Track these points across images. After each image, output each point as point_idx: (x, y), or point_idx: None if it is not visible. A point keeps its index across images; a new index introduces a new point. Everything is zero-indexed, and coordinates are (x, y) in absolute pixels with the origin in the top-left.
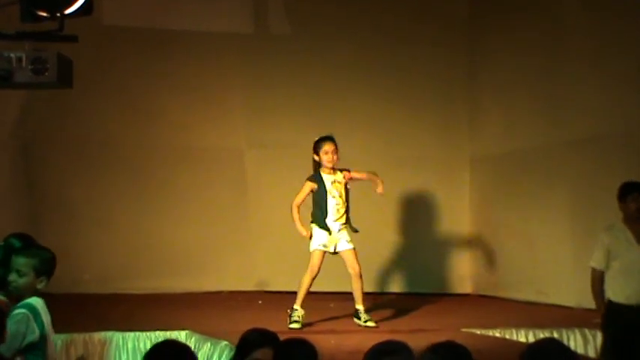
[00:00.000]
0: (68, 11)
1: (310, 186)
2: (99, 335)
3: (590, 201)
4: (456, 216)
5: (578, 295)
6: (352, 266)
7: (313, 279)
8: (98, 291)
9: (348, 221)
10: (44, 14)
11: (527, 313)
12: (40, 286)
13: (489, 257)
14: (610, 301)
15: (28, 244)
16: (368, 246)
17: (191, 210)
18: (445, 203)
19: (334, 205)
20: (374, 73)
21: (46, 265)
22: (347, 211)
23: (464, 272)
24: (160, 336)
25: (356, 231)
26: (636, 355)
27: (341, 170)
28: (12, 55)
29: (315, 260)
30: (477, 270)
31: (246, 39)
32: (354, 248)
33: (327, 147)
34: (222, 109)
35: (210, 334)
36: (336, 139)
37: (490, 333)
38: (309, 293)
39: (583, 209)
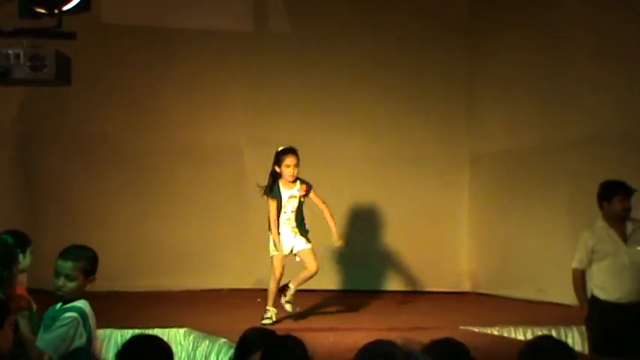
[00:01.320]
0: (66, 8)
1: (276, 203)
2: (98, 332)
3: (590, 199)
4: (455, 214)
5: None
6: (309, 264)
7: (278, 282)
8: (97, 289)
9: (300, 229)
10: (42, 11)
11: (526, 311)
12: (86, 287)
13: (488, 255)
14: (596, 299)
15: (21, 240)
16: (366, 244)
17: (191, 208)
18: (444, 201)
19: (286, 220)
20: (373, 71)
21: (93, 265)
22: (300, 223)
23: (462, 270)
24: (158, 333)
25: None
26: (627, 351)
27: (302, 182)
28: (10, 51)
29: (276, 264)
30: (476, 268)
31: (247, 37)
32: (310, 248)
33: (289, 160)
34: (222, 108)
35: (209, 331)
36: (336, 138)
37: (488, 331)
38: (309, 291)
39: (582, 208)
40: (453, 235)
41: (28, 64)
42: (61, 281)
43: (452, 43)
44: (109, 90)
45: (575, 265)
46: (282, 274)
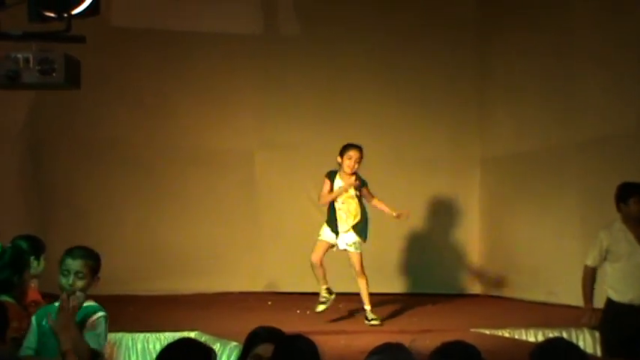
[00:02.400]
0: (75, 12)
1: (328, 182)
2: (108, 336)
3: (600, 201)
4: (466, 216)
5: None
6: (353, 266)
7: (314, 264)
8: (107, 292)
9: (355, 228)
10: (51, 14)
11: (537, 314)
12: (95, 289)
13: (499, 257)
14: (611, 301)
15: (36, 246)
16: (378, 246)
17: (201, 211)
18: (455, 204)
19: (339, 211)
20: (384, 74)
21: (99, 264)
22: (358, 219)
23: (473, 272)
24: (169, 337)
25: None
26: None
27: (357, 178)
28: (19, 55)
29: (318, 248)
30: (487, 270)
31: (256, 40)
32: (357, 251)
33: (352, 152)
34: (232, 110)
35: (220, 334)
36: (346, 140)
37: (499, 333)
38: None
39: (593, 210)
40: (464, 237)
41: (37, 68)
42: (71, 279)
43: (462, 44)
44: (118, 93)
45: (587, 262)
46: (321, 261)
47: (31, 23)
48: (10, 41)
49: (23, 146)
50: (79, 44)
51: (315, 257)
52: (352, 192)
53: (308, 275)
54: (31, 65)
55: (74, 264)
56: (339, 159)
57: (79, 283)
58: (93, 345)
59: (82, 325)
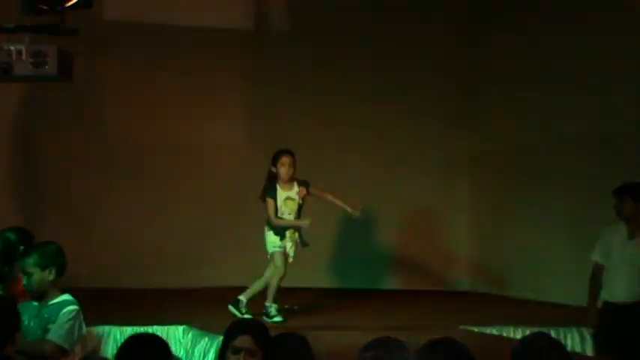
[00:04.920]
0: (69, 4)
1: (272, 202)
2: (97, 329)
3: (589, 200)
4: (454, 213)
5: (575, 294)
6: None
7: (281, 278)
8: (96, 285)
9: (297, 234)
10: (45, 7)
11: (525, 311)
12: (51, 278)
13: (487, 255)
14: (603, 301)
15: (24, 237)
16: (365, 243)
17: (190, 206)
18: (443, 201)
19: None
20: (373, 70)
21: (49, 257)
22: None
23: (462, 270)
24: (157, 330)
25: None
26: (625, 352)
27: (299, 183)
28: (12, 48)
29: (279, 262)
30: (475, 268)
31: (246, 35)
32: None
33: (285, 159)
34: (221, 106)
35: (208, 329)
36: (335, 138)
37: (487, 330)
38: (308, 289)
39: (581, 208)
40: (452, 235)
41: (30, 60)
42: (25, 280)
43: (452, 42)
44: (107, 88)
45: (592, 255)
46: (285, 270)
47: (24, 16)
48: (3, 33)
49: (13, 141)
50: (70, 37)
51: (283, 271)
52: (297, 199)
53: (295, 270)
54: (23, 57)
55: (22, 264)
56: (272, 168)
57: (30, 281)
58: (57, 339)
59: (55, 320)
